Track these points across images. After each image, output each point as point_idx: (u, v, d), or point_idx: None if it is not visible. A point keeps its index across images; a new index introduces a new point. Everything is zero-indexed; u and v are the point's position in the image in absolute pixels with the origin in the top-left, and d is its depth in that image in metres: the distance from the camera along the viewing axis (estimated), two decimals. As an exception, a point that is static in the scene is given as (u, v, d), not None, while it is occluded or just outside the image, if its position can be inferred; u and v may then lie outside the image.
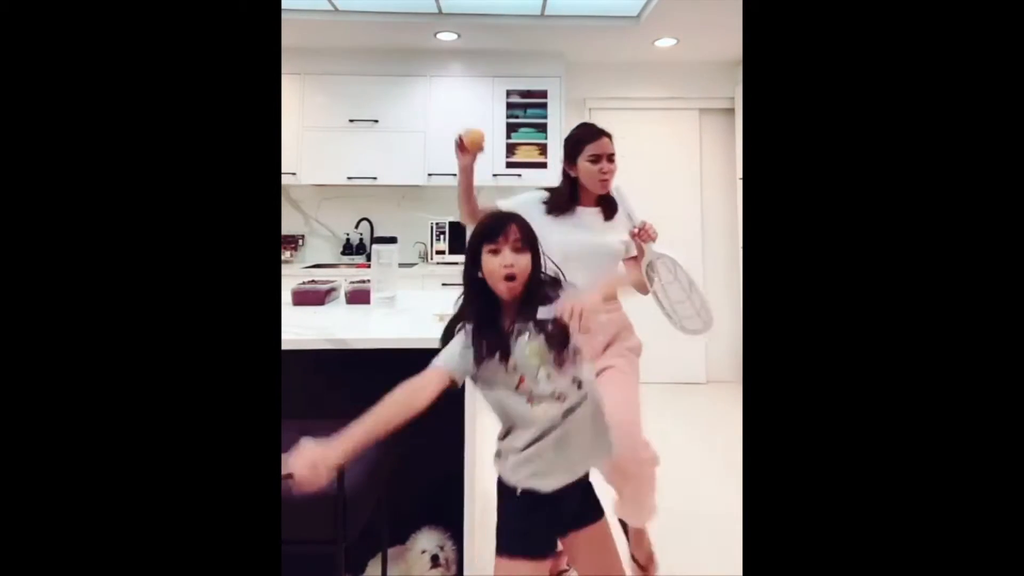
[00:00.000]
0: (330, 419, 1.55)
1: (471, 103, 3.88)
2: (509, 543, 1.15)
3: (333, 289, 2.28)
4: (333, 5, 3.32)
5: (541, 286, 1.18)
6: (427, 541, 1.70)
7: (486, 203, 1.80)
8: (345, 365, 1.72)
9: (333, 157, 3.84)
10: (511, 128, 3.90)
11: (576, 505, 1.18)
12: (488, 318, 1.15)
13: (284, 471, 0.92)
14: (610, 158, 1.70)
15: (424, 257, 4.08)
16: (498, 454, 1.19)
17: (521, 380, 1.13)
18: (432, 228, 3.93)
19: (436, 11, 3.41)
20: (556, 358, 1.14)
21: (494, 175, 3.81)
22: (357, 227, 4.10)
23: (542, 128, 3.89)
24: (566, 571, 1.81)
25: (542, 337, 1.13)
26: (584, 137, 1.72)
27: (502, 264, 1.13)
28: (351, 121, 3.85)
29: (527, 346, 1.13)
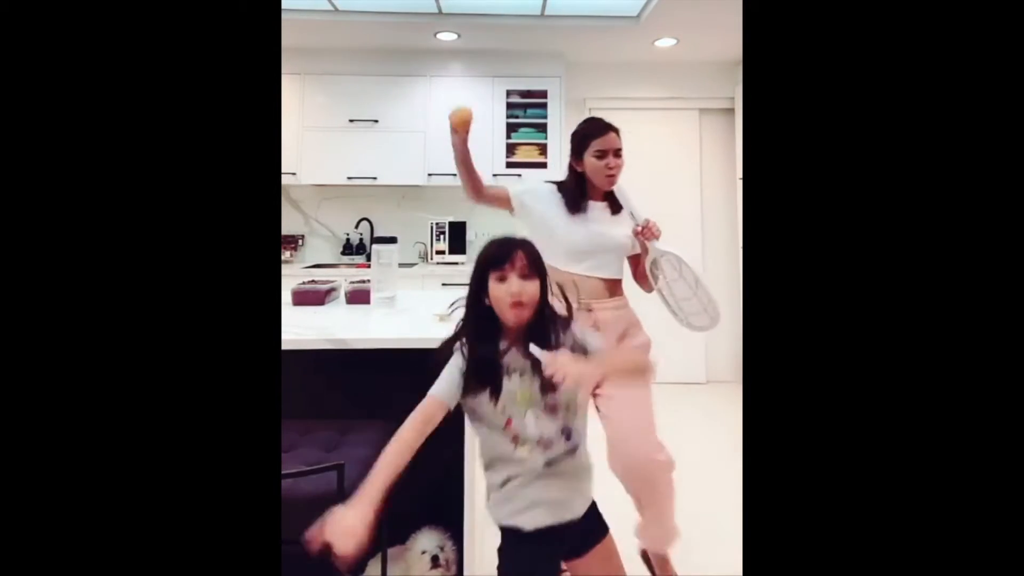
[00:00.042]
0: (330, 419, 1.56)
1: (471, 103, 3.85)
2: None
3: (333, 289, 2.28)
4: (333, 5, 3.32)
5: (549, 320, 1.14)
6: (427, 541, 1.70)
7: (497, 185, 1.80)
8: (345, 365, 1.72)
9: (333, 157, 3.84)
10: (511, 128, 3.90)
11: (575, 537, 1.15)
12: (486, 350, 1.11)
13: (320, 538, 0.92)
14: (616, 153, 1.68)
15: (424, 257, 4.07)
16: (488, 487, 1.17)
17: (508, 421, 1.10)
18: (432, 228, 3.93)
19: (436, 11, 3.41)
20: (547, 405, 1.11)
21: (494, 175, 3.81)
22: (357, 227, 4.10)
23: (542, 128, 3.89)
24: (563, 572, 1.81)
25: (537, 382, 1.10)
26: (590, 132, 1.70)
27: (509, 292, 1.09)
28: (351, 121, 3.85)
29: (518, 390, 1.10)
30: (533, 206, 1.74)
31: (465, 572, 1.64)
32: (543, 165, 3.86)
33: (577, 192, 1.72)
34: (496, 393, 1.09)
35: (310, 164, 3.84)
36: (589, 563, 1.17)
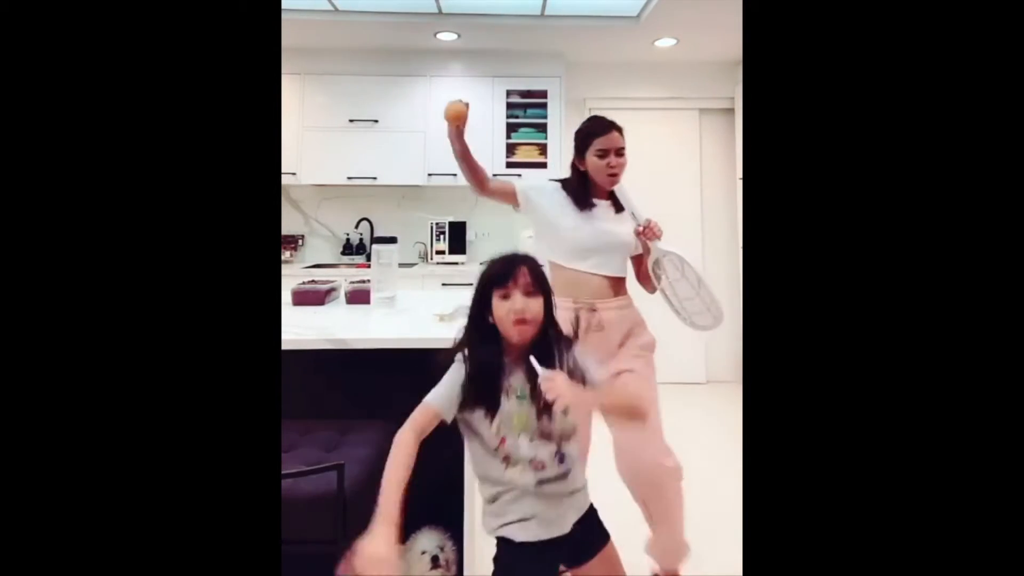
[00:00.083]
0: (330, 419, 1.56)
1: (471, 103, 3.86)
2: None
3: (333, 289, 2.28)
4: (333, 5, 3.32)
5: (553, 340, 1.12)
6: (427, 542, 1.70)
7: (503, 180, 1.79)
8: (345, 365, 1.72)
9: (333, 157, 3.84)
10: (511, 128, 3.90)
11: (571, 548, 1.14)
12: (487, 369, 1.10)
13: (354, 573, 0.92)
14: (618, 152, 1.67)
15: (424, 257, 4.07)
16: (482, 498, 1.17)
17: (502, 441, 1.09)
18: (432, 228, 3.93)
19: (436, 11, 3.41)
20: (542, 429, 1.10)
21: (494, 175, 3.80)
22: (357, 227, 4.10)
23: (542, 128, 3.89)
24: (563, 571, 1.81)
25: (535, 406, 1.09)
26: (593, 131, 1.70)
27: (512, 309, 1.08)
28: (351, 121, 3.85)
29: (515, 412, 1.09)
30: (539, 202, 1.73)
31: (465, 572, 1.64)
32: (543, 165, 3.86)
33: (581, 190, 1.71)
34: (492, 413, 1.08)
35: (310, 164, 3.84)
36: (590, 571, 1.16)
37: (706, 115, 4.29)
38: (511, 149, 3.89)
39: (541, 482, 1.09)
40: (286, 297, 2.16)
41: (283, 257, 3.99)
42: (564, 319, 1.41)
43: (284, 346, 1.43)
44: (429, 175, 3.84)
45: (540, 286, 1.11)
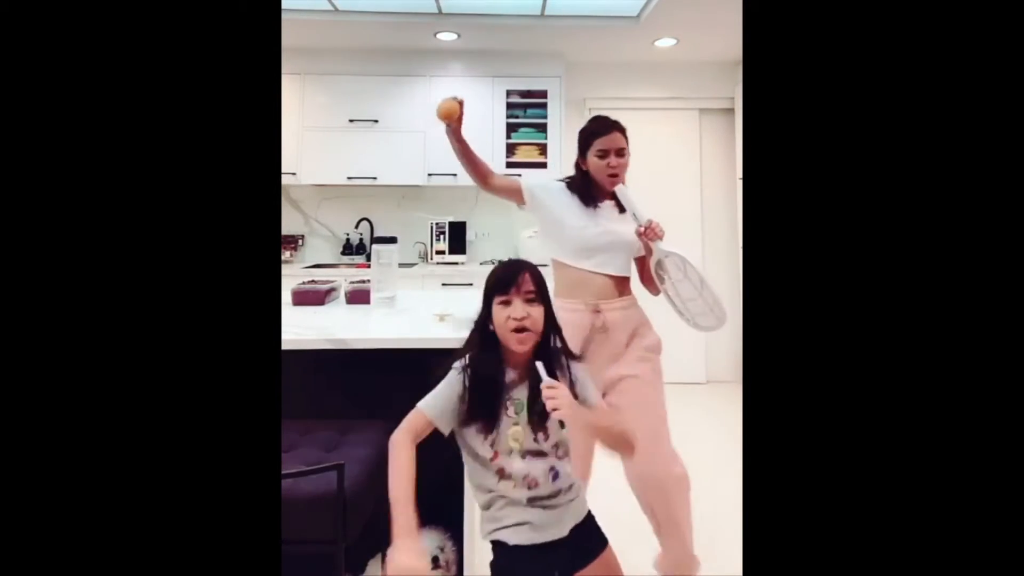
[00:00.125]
0: (330, 419, 1.56)
1: (471, 103, 3.81)
2: None
3: (333, 289, 2.28)
4: (333, 5, 3.32)
5: (555, 353, 1.12)
6: (427, 542, 1.70)
7: (508, 176, 1.79)
8: (345, 365, 1.72)
9: (333, 157, 3.84)
10: (511, 128, 3.90)
11: (568, 553, 1.13)
12: (485, 380, 1.09)
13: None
14: (619, 153, 1.67)
15: (424, 257, 4.07)
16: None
17: (496, 455, 1.09)
18: (432, 228, 3.93)
19: (436, 11, 3.41)
20: (537, 444, 1.09)
21: (494, 175, 3.81)
22: (357, 227, 4.10)
23: (542, 128, 3.89)
24: None
25: (533, 420, 1.09)
26: (594, 131, 1.69)
27: (512, 316, 1.07)
28: (351, 121, 3.85)
29: (511, 427, 1.09)
30: (545, 200, 1.73)
31: (465, 573, 1.64)
32: (543, 165, 3.86)
33: (585, 190, 1.71)
34: (489, 427, 1.08)
35: (310, 164, 3.84)
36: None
37: (706, 115, 4.29)
38: (511, 149, 3.89)
39: (533, 499, 1.09)
40: (286, 297, 2.16)
41: (283, 257, 3.99)
42: (569, 321, 1.41)
43: (284, 346, 1.43)
44: (429, 175, 3.84)
45: (541, 295, 1.10)
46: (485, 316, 1.12)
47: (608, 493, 1.73)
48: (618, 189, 1.66)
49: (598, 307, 1.65)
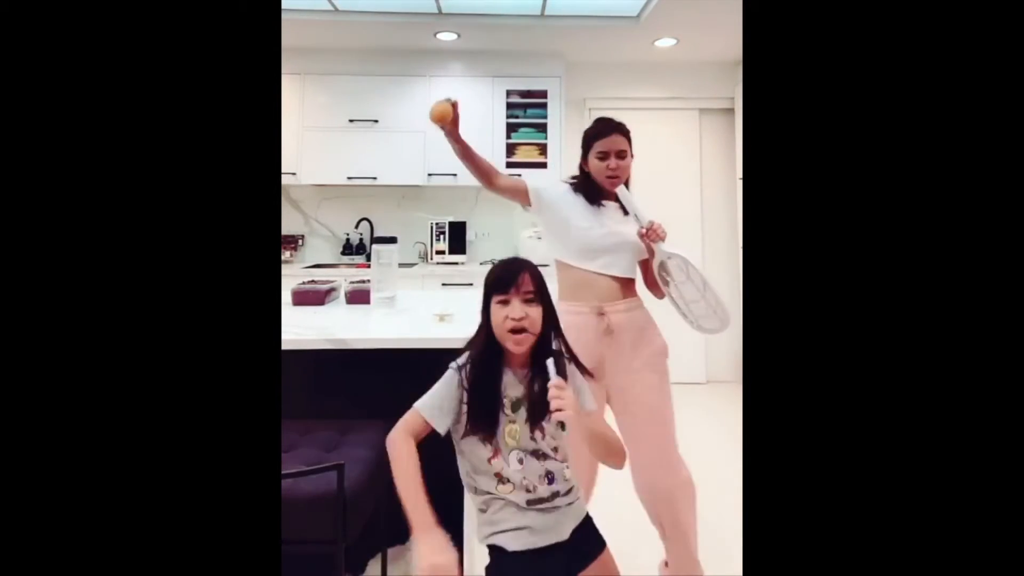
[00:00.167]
0: (330, 419, 1.56)
1: (471, 103, 3.88)
2: None
3: (333, 289, 2.28)
4: (333, 5, 3.32)
5: (551, 351, 1.10)
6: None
7: (514, 177, 1.76)
8: (345, 365, 1.72)
9: (333, 157, 3.84)
10: (511, 128, 3.90)
11: (567, 557, 1.12)
12: (483, 379, 1.09)
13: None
14: (619, 155, 1.66)
15: (424, 257, 4.07)
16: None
17: (494, 453, 1.08)
18: (432, 228, 3.93)
19: (436, 11, 3.41)
20: (535, 448, 1.09)
21: (494, 175, 3.81)
22: (357, 227, 4.10)
23: (542, 128, 3.89)
24: None
25: (530, 418, 1.08)
26: (595, 133, 1.69)
27: (509, 316, 1.06)
28: (351, 121, 3.85)
29: (508, 426, 1.08)
30: (551, 201, 1.71)
31: (465, 574, 1.64)
32: (543, 165, 3.86)
33: (589, 191, 1.70)
34: (487, 427, 1.07)
35: (310, 164, 3.84)
36: None
37: (706, 115, 4.29)
38: (511, 149, 3.89)
39: (531, 502, 1.09)
40: (286, 297, 2.16)
41: (283, 257, 3.99)
42: (573, 325, 1.41)
43: (284, 346, 1.43)
44: (429, 175, 3.84)
45: (541, 295, 1.09)
46: (486, 315, 1.11)
47: (611, 497, 1.74)
48: (619, 190, 1.65)
49: (602, 310, 1.63)
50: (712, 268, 4.18)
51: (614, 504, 1.72)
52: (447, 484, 1.61)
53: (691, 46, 3.84)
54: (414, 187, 4.03)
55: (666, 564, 1.73)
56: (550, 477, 1.10)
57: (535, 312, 1.08)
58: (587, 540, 1.15)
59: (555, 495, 1.11)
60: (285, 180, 3.80)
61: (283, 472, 1.17)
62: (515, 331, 1.07)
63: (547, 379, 1.04)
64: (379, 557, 1.64)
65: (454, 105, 1.62)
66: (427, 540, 0.95)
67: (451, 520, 1.64)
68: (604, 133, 1.67)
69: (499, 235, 4.14)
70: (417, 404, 1.09)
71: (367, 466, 1.34)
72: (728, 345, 4.10)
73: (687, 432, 3.09)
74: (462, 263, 3.87)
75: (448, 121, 1.61)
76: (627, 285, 1.68)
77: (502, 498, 1.09)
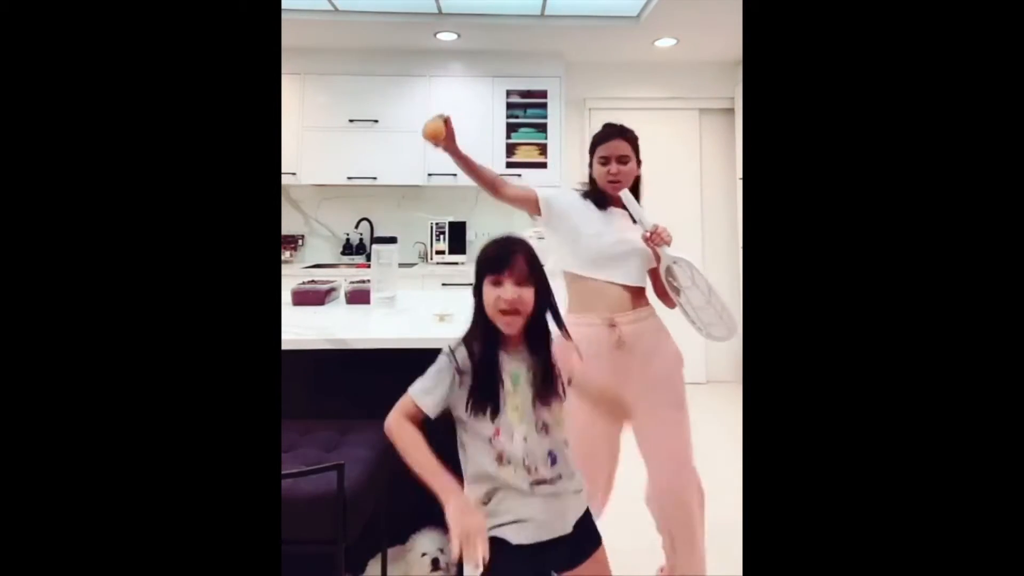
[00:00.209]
0: (330, 419, 1.56)
1: (471, 103, 3.89)
2: None
3: (333, 289, 2.28)
4: (333, 5, 3.32)
5: (546, 328, 1.10)
6: (427, 543, 1.70)
7: (522, 186, 1.74)
8: (345, 365, 1.72)
9: (333, 157, 3.84)
10: (511, 128, 3.90)
11: (565, 551, 1.11)
12: (483, 358, 1.08)
13: (474, 556, 0.95)
14: (621, 159, 1.63)
15: (424, 257, 4.07)
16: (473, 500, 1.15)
17: (497, 432, 1.07)
18: (432, 228, 3.93)
19: (436, 11, 3.41)
20: (538, 421, 1.08)
21: (494, 175, 3.81)
22: (357, 227, 4.10)
23: (542, 128, 3.89)
24: None
25: (531, 393, 1.07)
26: (599, 138, 1.67)
27: (502, 297, 1.05)
28: (351, 121, 3.85)
29: (510, 399, 1.07)
30: (561, 209, 1.68)
31: (465, 574, 1.64)
32: (543, 165, 3.86)
33: (596, 197, 1.68)
34: (488, 405, 1.06)
35: (310, 164, 3.84)
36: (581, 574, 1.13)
37: (706, 115, 4.29)
38: (511, 149, 3.89)
39: (535, 484, 1.08)
40: (286, 297, 2.16)
41: (283, 257, 3.99)
42: (584, 337, 1.41)
43: (284, 346, 1.44)
44: (429, 175, 3.84)
45: (535, 275, 1.08)
46: (478, 295, 1.10)
47: (614, 500, 1.74)
48: (622, 194, 1.62)
49: (613, 321, 1.60)
50: (712, 268, 4.17)
51: (614, 505, 1.72)
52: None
53: (691, 46, 3.84)
54: (414, 187, 4.03)
55: (661, 570, 1.73)
56: (553, 457, 1.09)
57: (527, 294, 1.07)
58: (587, 535, 1.15)
59: (558, 477, 1.10)
60: (285, 180, 3.80)
61: (283, 472, 1.17)
62: (506, 312, 1.06)
63: (544, 349, 1.05)
64: (379, 557, 1.64)
65: (446, 121, 1.61)
66: (455, 502, 0.97)
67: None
68: (606, 138, 1.66)
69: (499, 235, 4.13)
70: (410, 388, 1.09)
71: (367, 466, 1.34)
72: (728, 345, 4.06)
73: (687, 432, 3.09)
74: (462, 263, 3.87)
75: (441, 139, 1.60)
76: (638, 294, 1.65)
77: (505, 485, 1.08)
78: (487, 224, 4.15)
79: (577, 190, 1.74)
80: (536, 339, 1.09)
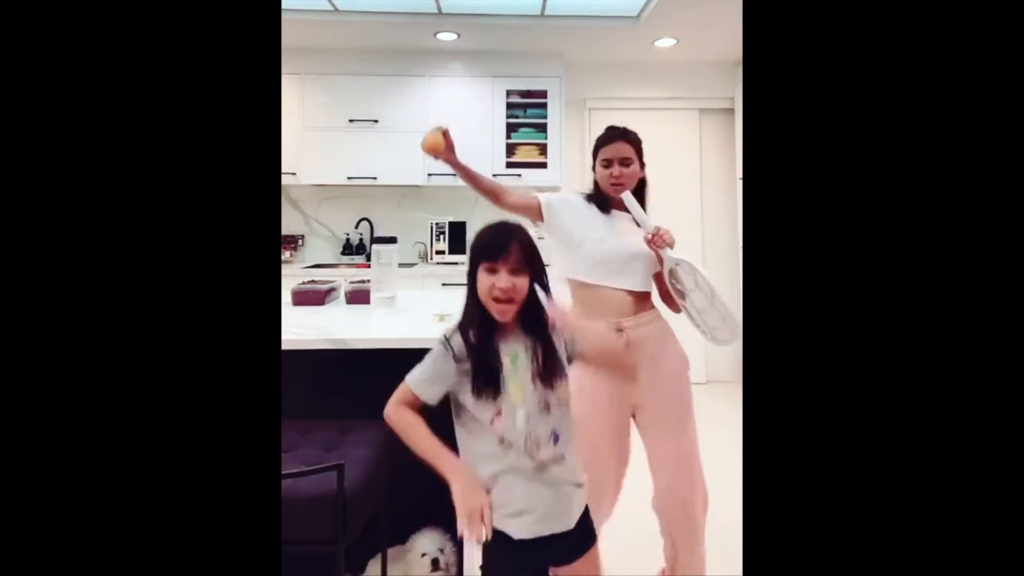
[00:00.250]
0: (330, 419, 1.56)
1: (471, 103, 3.89)
2: None
3: (333, 289, 2.28)
4: (333, 5, 3.32)
5: (542, 310, 1.09)
6: (427, 543, 1.70)
7: (524, 193, 1.73)
8: (345, 365, 1.72)
9: (333, 157, 3.84)
10: (511, 128, 3.90)
11: (565, 546, 1.10)
12: (480, 342, 1.07)
13: (475, 530, 0.98)
14: (623, 162, 1.62)
15: (424, 257, 4.07)
16: None
17: (499, 413, 1.05)
18: (432, 228, 3.93)
19: (436, 11, 3.41)
20: (540, 400, 1.07)
21: (494, 175, 3.81)
22: (357, 227, 4.10)
23: (542, 128, 3.89)
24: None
25: (531, 370, 1.07)
26: (601, 140, 1.67)
27: (496, 286, 1.05)
28: (351, 121, 3.85)
29: (511, 378, 1.06)
30: (564, 214, 1.67)
31: (465, 574, 1.64)
32: (543, 165, 3.86)
33: (600, 201, 1.67)
34: (490, 388, 1.05)
35: (310, 164, 3.84)
36: (575, 571, 1.12)
37: (706, 115, 4.29)
38: (511, 149, 3.89)
39: (538, 465, 1.06)
40: (286, 297, 2.16)
41: (283, 257, 3.99)
42: (591, 343, 1.41)
43: (284, 346, 1.44)
44: (429, 175, 3.84)
45: (530, 264, 1.07)
46: (472, 281, 1.09)
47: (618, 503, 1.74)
48: (624, 196, 1.60)
49: (620, 326, 1.59)
50: (712, 268, 4.16)
51: (615, 505, 1.72)
52: (447, 484, 1.61)
53: (691, 46, 3.84)
54: (414, 187, 4.03)
55: (662, 571, 1.73)
56: (556, 436, 1.08)
57: (522, 282, 1.06)
58: (586, 531, 1.14)
59: (561, 457, 1.08)
60: (285, 180, 3.80)
61: (283, 472, 1.17)
62: (500, 300, 1.05)
63: (542, 328, 1.08)
64: (379, 557, 1.64)
65: (445, 133, 1.61)
66: (460, 481, 1.00)
67: (452, 521, 1.65)
68: (608, 140, 1.65)
69: (499, 235, 4.13)
70: (407, 377, 1.09)
71: (367, 466, 1.34)
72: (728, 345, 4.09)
73: (687, 432, 3.09)
74: (462, 263, 3.86)
75: (441, 151, 1.61)
76: (643, 299, 1.64)
77: (507, 471, 1.05)
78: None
79: (581, 193, 1.73)
80: (532, 321, 1.09)
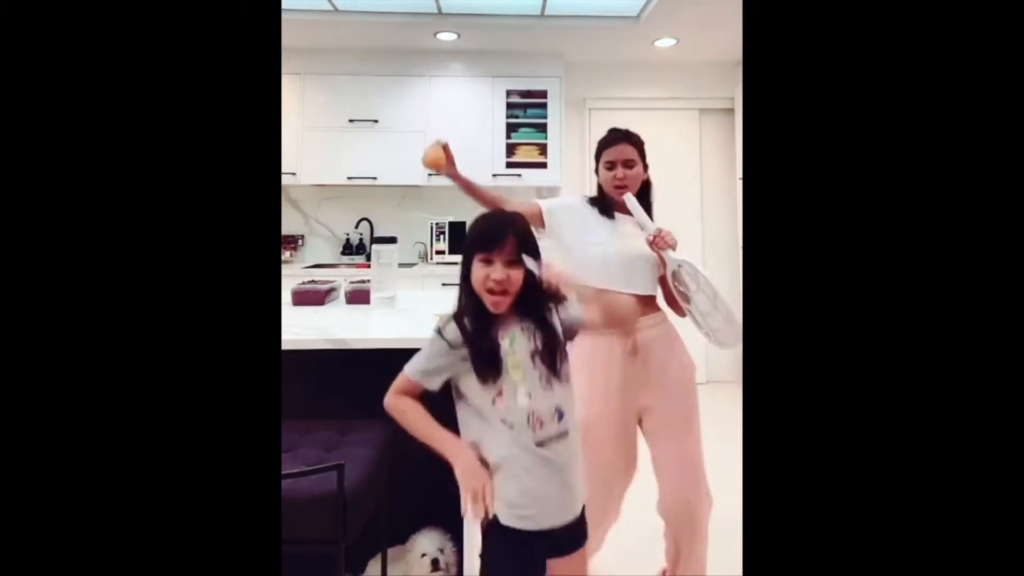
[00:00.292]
0: (330, 419, 1.56)
1: (471, 103, 3.89)
2: None
3: (333, 289, 2.28)
4: (333, 5, 3.32)
5: (537, 299, 1.09)
6: (427, 543, 1.70)
7: (525, 202, 1.72)
8: (345, 365, 1.72)
9: (333, 157, 3.84)
10: (511, 128, 3.90)
11: (564, 537, 1.10)
12: (476, 329, 1.07)
13: (478, 509, 1.00)
14: (626, 164, 1.62)
15: (424, 257, 4.07)
16: None
17: (500, 393, 1.05)
18: (432, 228, 3.93)
19: (436, 11, 3.41)
20: (542, 376, 1.06)
21: (494, 175, 3.81)
22: (357, 227, 4.10)
23: (542, 128, 3.88)
24: None
25: (530, 349, 1.06)
26: (604, 142, 1.66)
27: (491, 277, 1.04)
28: (351, 121, 3.85)
29: (509, 356, 1.05)
30: (565, 219, 1.66)
31: (465, 574, 1.64)
32: (543, 165, 3.86)
33: (603, 204, 1.66)
34: (489, 371, 1.04)
35: (310, 164, 3.84)
36: (566, 566, 1.12)
37: (706, 115, 4.29)
38: (511, 149, 3.89)
39: (541, 443, 1.05)
40: (286, 297, 2.16)
41: (283, 257, 3.99)
42: (597, 347, 1.41)
43: (284, 346, 1.43)
44: (429, 175, 3.83)
45: (527, 253, 1.07)
46: (466, 271, 1.08)
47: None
48: (625, 197, 1.59)
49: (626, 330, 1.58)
50: (712, 269, 4.15)
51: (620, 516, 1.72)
52: (447, 484, 1.61)
53: (691, 46, 3.84)
54: (414, 187, 4.03)
55: (663, 572, 1.73)
56: (560, 413, 1.07)
57: (516, 274, 1.05)
58: (584, 526, 1.14)
59: (564, 433, 1.07)
60: (285, 180, 3.80)
61: (283, 472, 1.17)
62: (493, 292, 1.05)
63: (539, 311, 1.09)
64: (379, 557, 1.64)
65: (445, 148, 1.62)
66: (462, 462, 1.02)
67: (452, 521, 1.65)
68: (611, 143, 1.64)
69: (499, 235, 4.13)
70: (406, 367, 1.10)
71: (367, 466, 1.34)
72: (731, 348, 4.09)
73: (687, 432, 3.09)
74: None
75: (442, 165, 1.62)
76: (648, 302, 1.63)
77: (509, 457, 1.05)
78: (487, 224, 4.14)
79: (584, 197, 1.72)
80: (528, 307, 1.09)
